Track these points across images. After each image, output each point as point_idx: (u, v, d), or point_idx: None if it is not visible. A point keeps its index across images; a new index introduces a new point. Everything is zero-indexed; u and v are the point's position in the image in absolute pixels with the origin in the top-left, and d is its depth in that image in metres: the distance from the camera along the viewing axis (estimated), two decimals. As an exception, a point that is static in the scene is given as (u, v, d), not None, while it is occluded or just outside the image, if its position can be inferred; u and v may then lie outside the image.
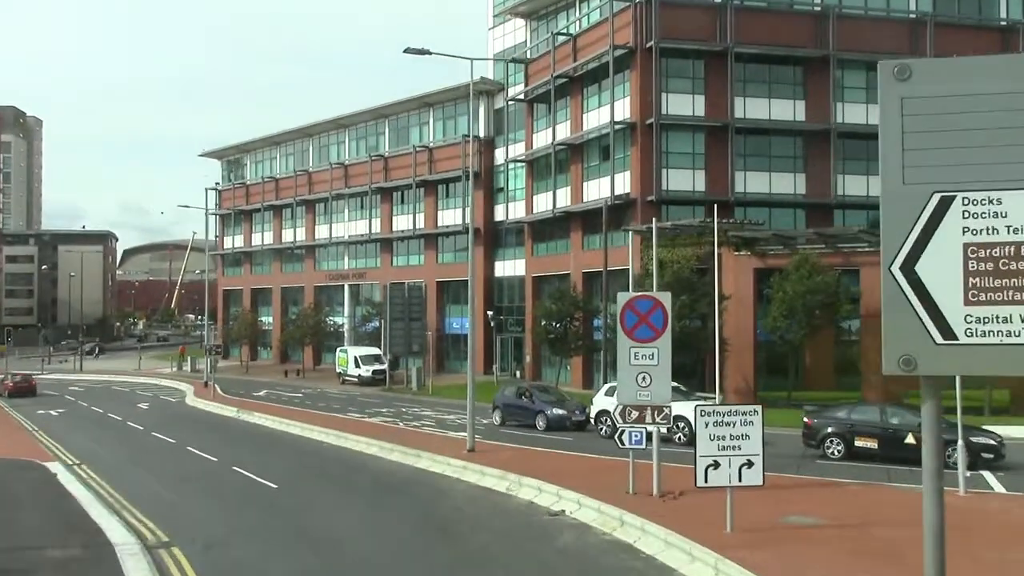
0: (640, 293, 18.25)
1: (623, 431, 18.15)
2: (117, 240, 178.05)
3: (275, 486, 22.07)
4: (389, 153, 76.45)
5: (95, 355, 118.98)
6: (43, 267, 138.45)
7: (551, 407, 33.86)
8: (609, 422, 30.89)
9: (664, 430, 18.75)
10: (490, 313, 64.44)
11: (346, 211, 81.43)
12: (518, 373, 64.53)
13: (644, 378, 17.73)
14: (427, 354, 60.35)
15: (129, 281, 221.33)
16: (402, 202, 76.17)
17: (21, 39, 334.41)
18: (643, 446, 18.15)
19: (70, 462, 27.17)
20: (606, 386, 32.81)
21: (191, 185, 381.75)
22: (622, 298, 18.22)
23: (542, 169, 61.91)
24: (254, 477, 23.22)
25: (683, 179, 52.02)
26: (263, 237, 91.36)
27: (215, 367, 79.21)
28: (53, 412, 46.54)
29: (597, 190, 55.32)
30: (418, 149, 72.72)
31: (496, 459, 23.47)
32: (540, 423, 33.50)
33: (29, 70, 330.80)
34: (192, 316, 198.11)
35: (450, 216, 71.67)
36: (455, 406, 44.87)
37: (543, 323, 52.76)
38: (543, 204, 60.89)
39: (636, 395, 17.82)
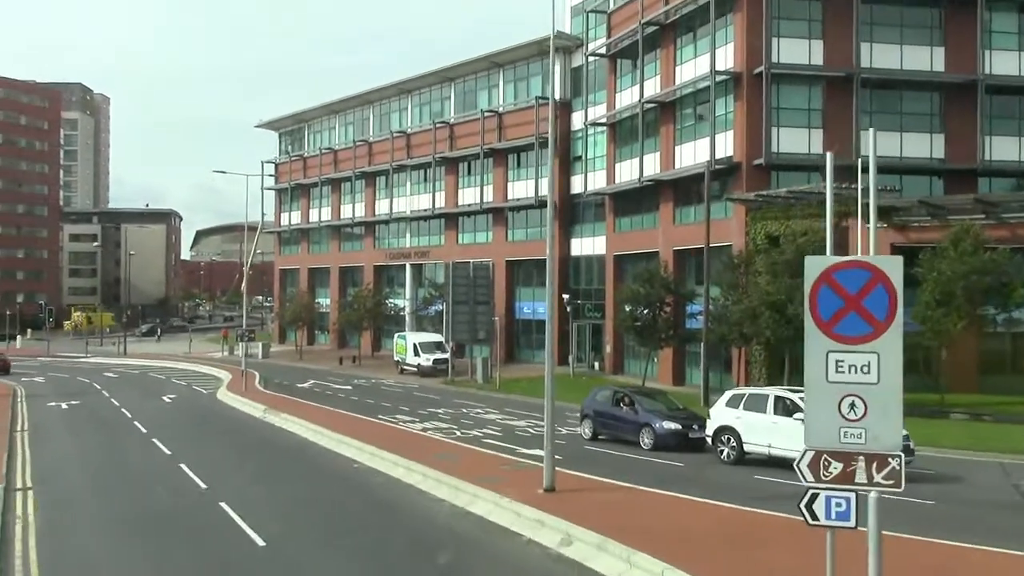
0: (850, 259, 10.42)
1: (815, 495, 10.56)
2: (181, 219, 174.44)
3: (263, 543, 15.02)
4: (455, 120, 69.40)
5: (157, 337, 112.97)
6: (95, 244, 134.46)
7: (660, 419, 26.09)
8: (733, 443, 23.31)
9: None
10: (567, 297, 57.02)
11: (408, 184, 74.66)
12: (596, 364, 57.18)
13: (854, 406, 10.17)
14: (494, 342, 53.13)
15: (199, 262, 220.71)
16: (468, 173, 69.12)
17: (97, 20, 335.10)
18: (851, 523, 10.57)
19: (19, 486, 20.57)
20: (729, 393, 25.00)
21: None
22: (814, 266, 10.61)
23: (626, 133, 54.21)
24: (240, 524, 16.24)
25: (797, 140, 43.89)
26: (320, 213, 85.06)
27: (268, 352, 73.68)
28: (64, 405, 40.48)
29: (692, 154, 47.53)
30: (486, 114, 65.54)
31: (587, 507, 16.07)
32: (645, 440, 25.88)
33: (103, 52, 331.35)
34: (260, 298, 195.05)
35: (521, 188, 64.34)
36: (527, 408, 37.68)
37: (628, 309, 45.09)
38: (627, 173, 53.22)
39: (839, 434, 10.26)
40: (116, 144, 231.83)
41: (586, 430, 28.15)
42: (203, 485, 20.27)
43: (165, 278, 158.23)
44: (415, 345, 57.39)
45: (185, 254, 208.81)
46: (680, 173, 47.97)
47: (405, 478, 20.43)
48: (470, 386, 49.01)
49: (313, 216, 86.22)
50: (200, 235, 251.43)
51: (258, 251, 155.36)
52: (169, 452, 25.35)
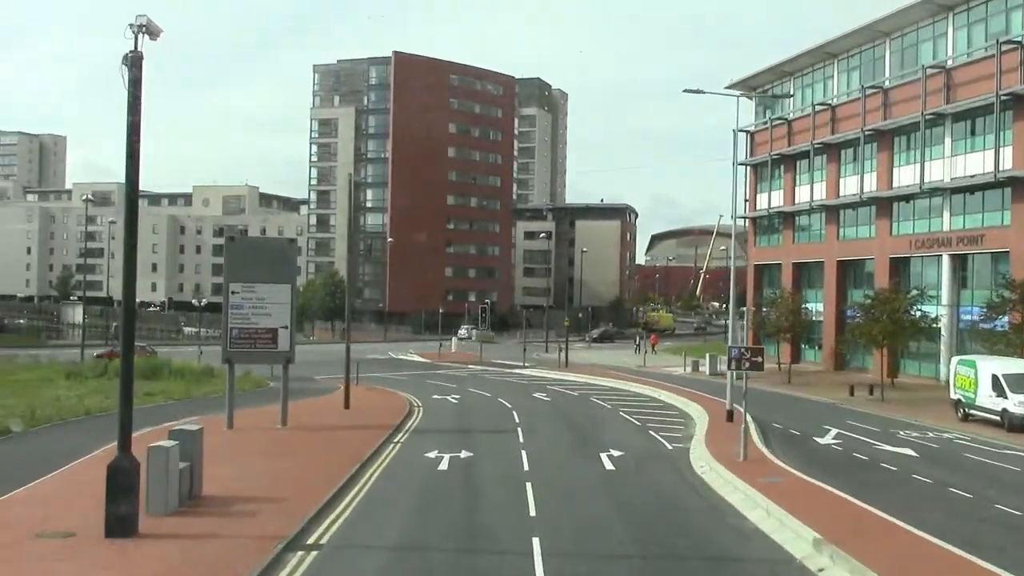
0: None
1: None
2: (636, 215, 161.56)
3: None
4: (1032, 36, 46.16)
5: (636, 346, 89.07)
6: (541, 234, 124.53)
7: None
8: None
9: None
10: None
11: (947, 141, 52.36)
12: None
13: None
14: None
15: (653, 265, 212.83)
16: (1053, 116, 45.55)
17: (550, 22, 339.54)
18: None
19: None
20: None
21: (722, 179, 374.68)
22: None
23: None
24: None
25: None
26: (812, 191, 64.91)
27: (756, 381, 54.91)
28: (445, 460, 24.84)
29: None
30: (1096, 18, 41.69)
31: None
32: None
33: (558, 52, 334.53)
34: (716, 304, 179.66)
35: None
36: None
37: None
38: None
39: None
40: (572, 145, 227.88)
41: None
42: None
43: (619, 279, 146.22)
44: (995, 378, 35.28)
45: (640, 259, 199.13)
46: None
47: None
48: None
49: (801, 196, 66.29)
50: (655, 239, 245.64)
51: (721, 248, 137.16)
52: None
